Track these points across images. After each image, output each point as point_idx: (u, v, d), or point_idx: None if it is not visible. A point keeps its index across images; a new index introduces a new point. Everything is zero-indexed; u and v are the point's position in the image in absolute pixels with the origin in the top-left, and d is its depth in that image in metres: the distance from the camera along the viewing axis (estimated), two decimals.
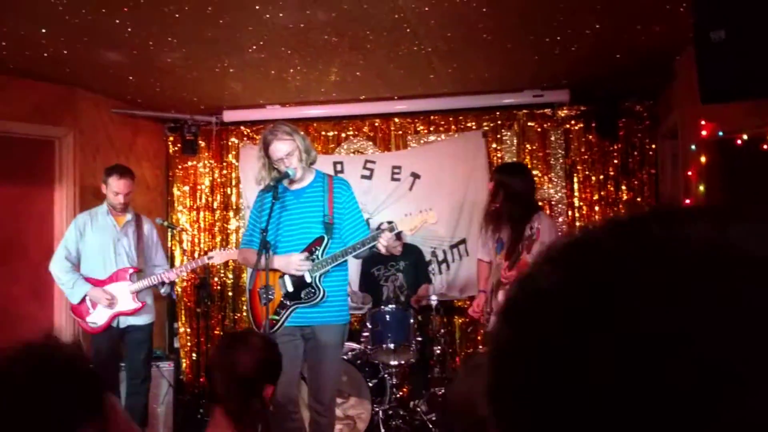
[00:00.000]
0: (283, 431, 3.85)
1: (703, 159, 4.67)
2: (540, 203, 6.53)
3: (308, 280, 3.73)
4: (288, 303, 3.78)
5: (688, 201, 5.08)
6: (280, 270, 3.77)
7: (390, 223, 3.87)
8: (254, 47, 4.93)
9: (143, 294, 5.01)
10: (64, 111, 5.89)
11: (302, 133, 3.85)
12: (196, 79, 5.76)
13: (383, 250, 3.78)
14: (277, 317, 3.77)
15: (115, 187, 4.97)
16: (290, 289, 3.77)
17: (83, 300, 4.90)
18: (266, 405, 2.40)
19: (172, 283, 5.24)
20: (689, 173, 5.01)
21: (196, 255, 7.24)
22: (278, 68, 5.49)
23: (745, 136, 4.24)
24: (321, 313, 3.77)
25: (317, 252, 3.75)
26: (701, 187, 4.74)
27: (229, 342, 2.47)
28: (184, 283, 7.11)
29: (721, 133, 4.46)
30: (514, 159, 6.68)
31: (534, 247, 4.14)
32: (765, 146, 4.10)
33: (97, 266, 4.97)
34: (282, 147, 3.72)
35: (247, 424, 2.31)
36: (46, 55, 5.00)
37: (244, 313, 7.18)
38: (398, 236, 5.75)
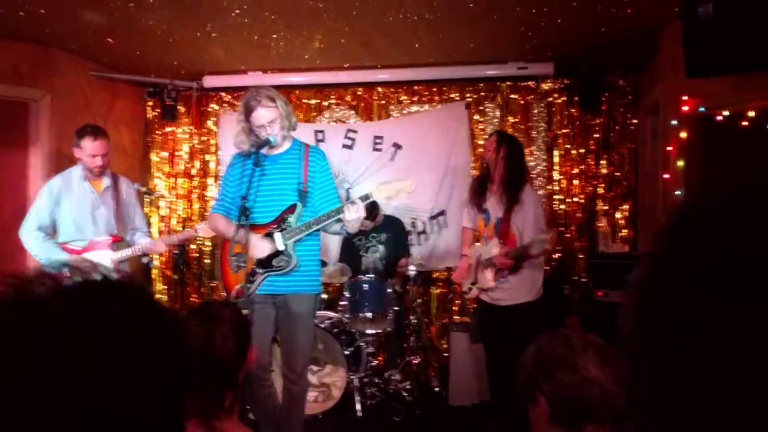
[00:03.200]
0: (255, 398, 3.86)
1: (683, 134, 4.70)
2: None
3: (280, 248, 3.69)
4: (259, 271, 3.73)
5: (667, 176, 5.12)
6: (248, 246, 3.71)
7: (363, 195, 3.77)
8: (237, 11, 4.85)
9: (125, 264, 4.77)
10: (41, 72, 5.76)
11: (283, 97, 3.78)
12: (177, 43, 5.66)
13: (349, 220, 3.61)
14: (248, 285, 3.74)
15: (91, 150, 4.56)
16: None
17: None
18: (250, 368, 2.26)
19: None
20: (669, 148, 5.05)
21: (173, 222, 7.19)
22: (261, 33, 5.41)
23: (726, 113, 4.28)
24: (293, 282, 3.73)
25: (290, 219, 3.70)
26: (680, 162, 4.78)
27: (201, 320, 2.15)
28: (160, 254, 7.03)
29: (702, 109, 4.49)
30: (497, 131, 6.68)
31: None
32: (745, 123, 4.13)
33: (75, 236, 4.66)
34: (265, 114, 3.65)
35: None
36: (22, 14, 4.87)
37: None
38: (371, 215, 5.72)
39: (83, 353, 0.72)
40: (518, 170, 4.53)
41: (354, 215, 3.59)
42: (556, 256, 6.57)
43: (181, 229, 7.14)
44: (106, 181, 4.75)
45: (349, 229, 3.74)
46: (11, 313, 0.73)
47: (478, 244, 4.73)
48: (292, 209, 3.71)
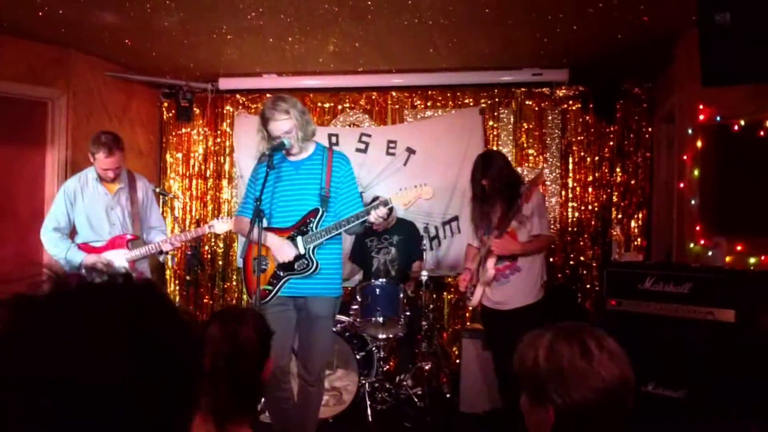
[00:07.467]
0: (272, 400, 3.87)
1: (699, 143, 4.67)
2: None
3: (302, 251, 3.74)
4: (281, 274, 3.78)
5: (682, 185, 5.08)
6: (272, 249, 3.76)
7: (381, 197, 3.84)
8: (253, 14, 4.87)
9: (140, 263, 4.80)
10: (58, 72, 5.81)
11: (300, 106, 3.80)
12: (193, 45, 5.69)
13: (374, 221, 3.76)
14: (270, 288, 3.77)
15: (104, 165, 4.61)
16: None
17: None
18: (264, 379, 2.15)
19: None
20: (684, 157, 5.01)
21: (187, 223, 7.22)
22: (276, 36, 5.43)
23: (742, 122, 4.24)
24: (314, 285, 3.77)
25: (312, 224, 3.74)
26: (696, 172, 4.74)
27: (225, 321, 2.13)
28: (175, 251, 7.06)
29: (718, 118, 4.45)
30: (511, 137, 6.67)
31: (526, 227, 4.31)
32: (762, 132, 4.09)
33: (91, 237, 4.73)
34: (280, 126, 3.71)
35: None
36: (40, 14, 4.92)
37: (234, 282, 7.19)
38: (389, 210, 5.75)
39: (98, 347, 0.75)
40: (509, 189, 4.46)
41: (379, 216, 3.69)
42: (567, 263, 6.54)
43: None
44: (120, 183, 4.81)
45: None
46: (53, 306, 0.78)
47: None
48: (314, 213, 3.75)
